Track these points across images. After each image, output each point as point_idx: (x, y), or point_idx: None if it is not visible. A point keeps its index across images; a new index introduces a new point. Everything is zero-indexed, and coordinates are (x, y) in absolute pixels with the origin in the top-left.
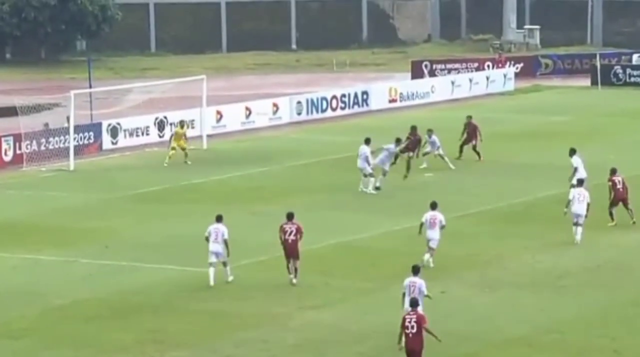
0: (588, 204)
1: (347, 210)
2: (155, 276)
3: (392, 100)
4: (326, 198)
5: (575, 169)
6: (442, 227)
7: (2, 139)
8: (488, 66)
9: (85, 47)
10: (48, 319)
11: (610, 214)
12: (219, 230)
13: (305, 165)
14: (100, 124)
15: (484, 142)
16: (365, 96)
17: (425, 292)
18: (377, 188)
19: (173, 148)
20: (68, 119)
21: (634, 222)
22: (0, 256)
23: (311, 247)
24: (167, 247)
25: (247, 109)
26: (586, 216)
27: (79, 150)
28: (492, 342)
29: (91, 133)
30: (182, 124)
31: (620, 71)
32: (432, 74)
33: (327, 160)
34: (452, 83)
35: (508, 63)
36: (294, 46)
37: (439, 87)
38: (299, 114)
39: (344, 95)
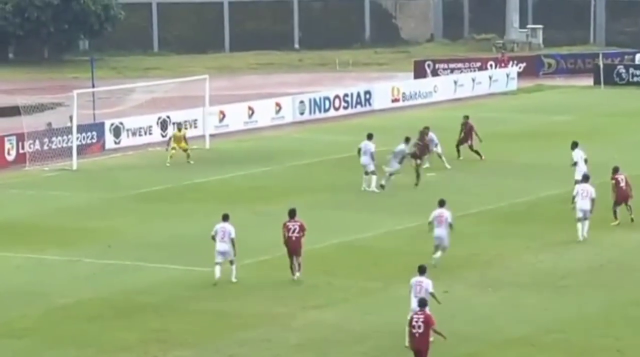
0: (593, 200)
1: (349, 209)
2: (158, 275)
3: (395, 100)
4: (329, 198)
5: (575, 163)
6: (449, 225)
7: (5, 138)
8: (491, 66)
9: (88, 47)
10: (51, 318)
11: (614, 213)
12: (226, 229)
13: (308, 165)
14: (103, 124)
15: (486, 142)
16: (367, 96)
17: (430, 290)
18: (381, 186)
19: (173, 148)
20: (71, 118)
21: (632, 220)
22: (3, 256)
23: (314, 247)
24: (170, 247)
25: (249, 108)
26: (591, 212)
27: (82, 149)
28: (493, 342)
29: (94, 133)
30: (179, 127)
31: (623, 71)
32: (434, 73)
33: (330, 160)
34: (455, 83)
35: (511, 63)
36: (296, 46)
37: (442, 87)
38: (302, 113)
39: (346, 95)
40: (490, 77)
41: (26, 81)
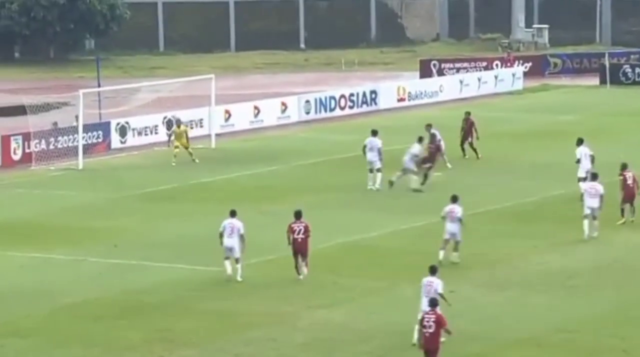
0: (602, 197)
1: (355, 209)
2: (164, 275)
3: (401, 100)
4: (334, 197)
5: (578, 160)
6: (459, 220)
7: (11, 138)
8: (497, 65)
9: (94, 46)
10: (56, 317)
11: (622, 211)
12: (234, 225)
13: (314, 165)
14: (108, 123)
15: (492, 141)
16: (373, 95)
17: (440, 291)
18: (390, 183)
19: (176, 146)
20: (77, 118)
21: (632, 221)
22: (9, 255)
23: (319, 247)
24: (175, 246)
25: (255, 108)
26: (599, 209)
27: (88, 149)
28: (501, 342)
29: (100, 132)
30: (178, 123)
31: (629, 70)
32: (440, 73)
33: (335, 160)
34: (461, 82)
35: (517, 62)
36: (302, 45)
37: (448, 87)
38: (308, 113)
39: (352, 95)
40: (496, 77)
41: (32, 80)
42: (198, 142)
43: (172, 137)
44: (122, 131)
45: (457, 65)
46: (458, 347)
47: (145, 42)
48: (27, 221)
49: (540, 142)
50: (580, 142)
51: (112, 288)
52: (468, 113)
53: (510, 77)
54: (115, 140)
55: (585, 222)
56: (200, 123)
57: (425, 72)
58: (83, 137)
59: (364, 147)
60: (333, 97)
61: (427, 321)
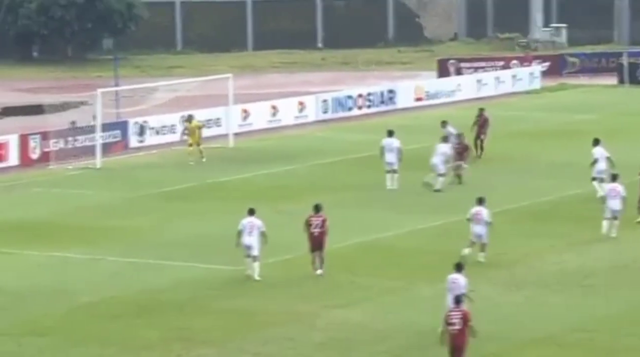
0: (623, 198)
1: (372, 208)
2: (181, 274)
3: (418, 99)
4: (351, 196)
5: (595, 160)
6: (487, 224)
7: (30, 137)
8: (514, 65)
9: (112, 46)
10: (74, 316)
11: (639, 209)
12: (254, 223)
13: (331, 164)
14: (126, 123)
15: (510, 140)
16: (391, 95)
17: (464, 291)
18: (428, 185)
19: (190, 144)
20: (94, 117)
21: (638, 222)
22: (27, 254)
23: (336, 246)
24: (193, 245)
25: (273, 107)
26: (621, 211)
27: (106, 148)
28: (518, 341)
29: (118, 131)
30: (189, 118)
31: None
32: (458, 72)
33: (353, 159)
34: (478, 81)
35: (534, 61)
36: (319, 45)
37: (465, 86)
38: (325, 112)
39: (370, 94)
40: (513, 76)
41: (50, 80)
42: (216, 142)
43: (186, 133)
44: (140, 130)
45: (475, 64)
46: (475, 347)
47: (163, 42)
48: (44, 220)
49: (558, 141)
50: (596, 142)
51: (130, 287)
52: (482, 109)
53: (528, 77)
54: (132, 139)
55: (605, 223)
56: (218, 122)
57: (443, 72)
58: (101, 137)
59: (382, 148)
60: (350, 97)
61: (453, 318)
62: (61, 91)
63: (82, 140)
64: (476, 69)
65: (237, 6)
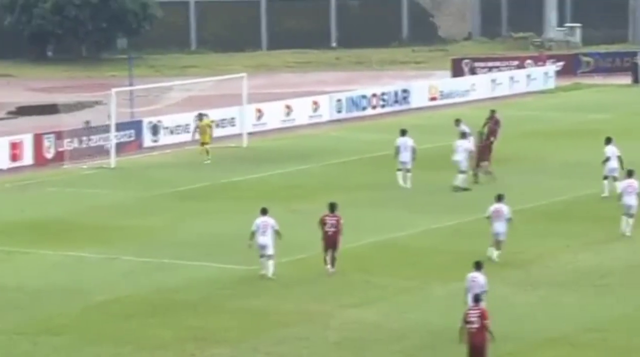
0: (639, 194)
1: (386, 208)
2: (195, 273)
3: (433, 98)
4: (366, 196)
5: (607, 158)
6: (507, 220)
7: (44, 136)
8: (529, 64)
9: (126, 45)
10: (89, 315)
11: None
12: (268, 222)
13: (345, 164)
14: (140, 122)
15: (524, 140)
16: (405, 94)
17: (485, 289)
18: (465, 189)
19: (202, 143)
20: (109, 116)
21: None
22: (42, 253)
23: (351, 245)
24: (207, 245)
25: (287, 107)
26: (637, 207)
27: (120, 148)
28: (532, 341)
29: (132, 131)
30: (200, 116)
31: None
32: (472, 71)
33: (367, 159)
34: (493, 81)
35: (549, 61)
36: (334, 44)
37: (480, 85)
38: (339, 112)
39: (384, 93)
40: (528, 76)
41: (64, 79)
42: (229, 141)
43: (197, 132)
44: (154, 130)
45: (489, 64)
46: (491, 347)
47: (177, 41)
48: (59, 219)
49: (572, 141)
50: (608, 141)
51: (144, 286)
52: (493, 111)
53: (542, 76)
54: (147, 139)
55: (624, 219)
56: (232, 122)
57: (457, 71)
58: (115, 136)
59: (397, 148)
60: (365, 96)
61: (472, 317)
62: (75, 91)
63: (96, 140)
64: (490, 68)
65: (251, 5)
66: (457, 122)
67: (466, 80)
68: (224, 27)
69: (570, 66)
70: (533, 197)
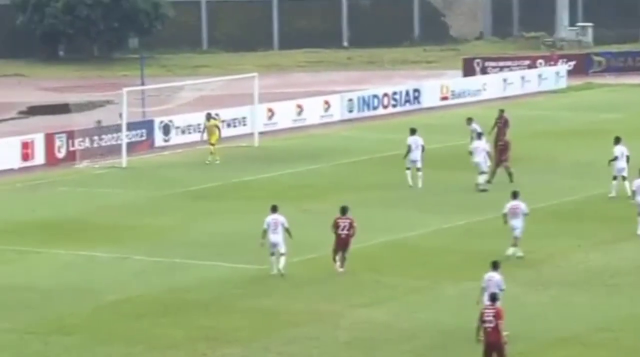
0: None
1: (397, 208)
2: (206, 273)
3: (444, 98)
4: (376, 196)
5: (615, 158)
6: (525, 215)
7: (56, 136)
8: (540, 64)
9: (138, 45)
10: (100, 315)
11: None
12: (278, 220)
13: (356, 163)
14: (152, 122)
15: (536, 140)
16: (416, 94)
17: (503, 287)
18: (483, 190)
19: (212, 143)
20: (120, 116)
21: None
22: (54, 253)
23: (361, 245)
24: (218, 245)
25: (298, 106)
26: None
27: (131, 147)
28: (545, 341)
29: (143, 130)
30: (208, 117)
31: None
32: (483, 71)
33: (378, 158)
34: (504, 81)
35: (560, 61)
36: (345, 44)
37: (491, 85)
38: (350, 111)
39: (395, 93)
40: (539, 76)
41: (76, 79)
42: (241, 141)
43: (206, 132)
44: (166, 129)
45: (501, 63)
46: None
47: (189, 41)
48: (71, 219)
49: (584, 140)
50: (617, 141)
51: (155, 286)
52: (502, 110)
53: (553, 76)
54: (158, 138)
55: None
56: (244, 121)
57: (469, 71)
58: (127, 136)
59: (409, 146)
60: (376, 96)
61: (487, 316)
62: (87, 90)
63: (107, 140)
64: (502, 68)
65: (263, 5)
66: (469, 121)
67: (477, 80)
68: (236, 27)
69: (582, 66)
70: (544, 196)
